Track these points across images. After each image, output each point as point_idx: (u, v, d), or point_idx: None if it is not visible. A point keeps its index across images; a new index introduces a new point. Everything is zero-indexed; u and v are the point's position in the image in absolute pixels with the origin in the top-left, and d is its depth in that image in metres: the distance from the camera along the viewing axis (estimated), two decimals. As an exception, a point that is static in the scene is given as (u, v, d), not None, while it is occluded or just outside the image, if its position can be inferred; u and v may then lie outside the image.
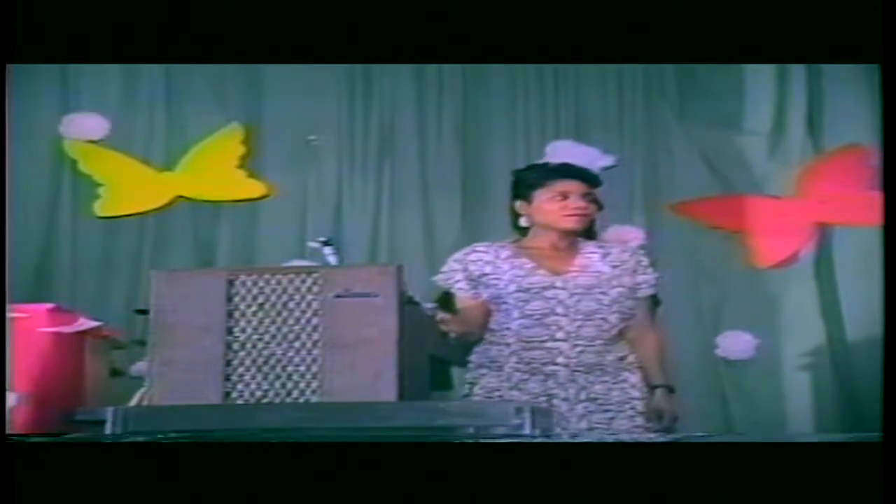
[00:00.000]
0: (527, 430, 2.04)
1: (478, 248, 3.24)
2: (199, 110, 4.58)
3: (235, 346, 2.28)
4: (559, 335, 3.07)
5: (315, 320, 2.27)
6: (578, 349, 3.07)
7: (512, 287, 3.10)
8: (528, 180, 3.26)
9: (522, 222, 3.23)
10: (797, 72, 4.54)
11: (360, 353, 2.22)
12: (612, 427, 3.06)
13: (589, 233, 3.27)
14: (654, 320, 3.27)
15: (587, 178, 3.25)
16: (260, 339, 2.28)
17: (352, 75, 4.59)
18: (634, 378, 3.13)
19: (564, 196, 3.18)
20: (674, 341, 4.44)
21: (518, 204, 3.25)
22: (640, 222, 4.48)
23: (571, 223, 3.16)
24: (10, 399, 2.25)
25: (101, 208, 4.50)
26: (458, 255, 3.26)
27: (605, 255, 3.19)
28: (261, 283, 2.30)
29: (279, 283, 2.30)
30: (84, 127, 4.55)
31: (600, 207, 3.28)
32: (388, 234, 4.52)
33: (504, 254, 3.18)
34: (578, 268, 3.15)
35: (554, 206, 3.18)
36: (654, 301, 3.29)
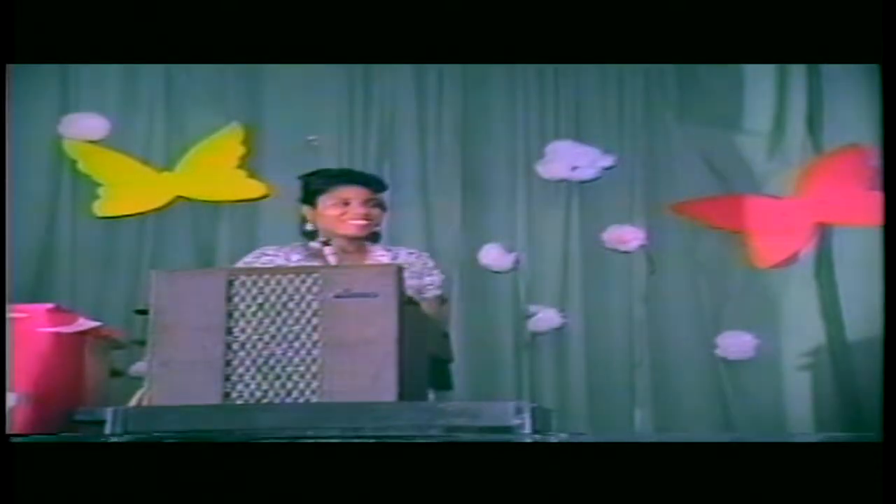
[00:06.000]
0: (527, 430, 2.04)
1: (267, 252, 3.16)
2: (199, 110, 4.59)
3: (235, 346, 2.28)
4: None
5: (315, 320, 2.26)
6: None
7: None
8: (313, 185, 3.19)
9: (307, 227, 3.17)
10: (797, 72, 4.55)
11: (360, 354, 2.22)
12: None
13: (374, 237, 3.22)
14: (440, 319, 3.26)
15: (370, 183, 3.20)
16: (260, 339, 2.27)
17: (352, 75, 4.60)
18: None
19: (346, 202, 3.12)
20: (674, 341, 4.47)
21: (304, 209, 3.18)
22: (641, 222, 4.49)
23: (352, 229, 3.11)
24: (10, 399, 2.25)
25: (101, 208, 4.50)
26: (248, 258, 3.18)
27: (393, 259, 3.15)
28: (261, 284, 2.29)
29: (279, 283, 2.29)
30: (84, 127, 4.55)
31: (384, 210, 3.23)
32: (388, 234, 4.52)
33: (294, 257, 3.13)
34: None
35: (335, 213, 3.11)
36: (441, 301, 3.25)
